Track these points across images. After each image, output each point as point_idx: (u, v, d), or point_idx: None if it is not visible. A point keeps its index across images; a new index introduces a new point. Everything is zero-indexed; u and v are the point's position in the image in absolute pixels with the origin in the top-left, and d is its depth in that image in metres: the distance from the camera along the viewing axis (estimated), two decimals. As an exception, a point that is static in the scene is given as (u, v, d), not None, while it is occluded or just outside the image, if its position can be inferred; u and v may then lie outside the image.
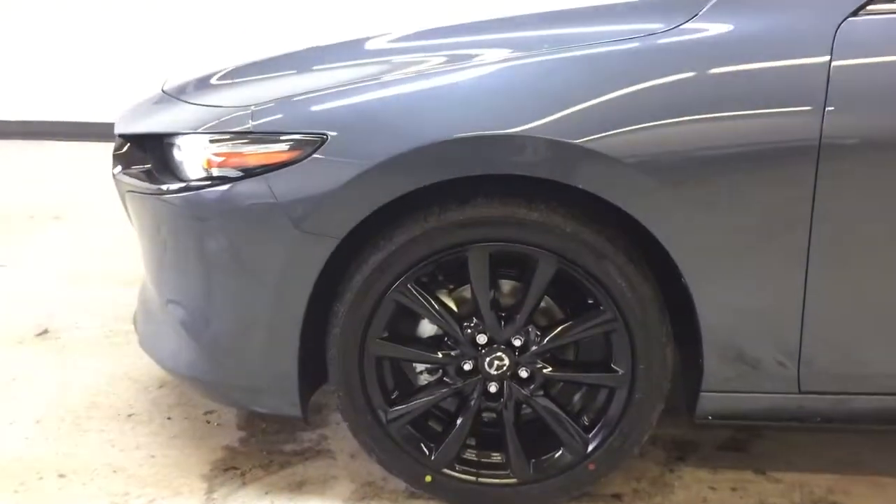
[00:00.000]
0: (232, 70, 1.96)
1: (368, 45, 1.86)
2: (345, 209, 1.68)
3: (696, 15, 1.64)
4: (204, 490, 1.95)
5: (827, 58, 1.57)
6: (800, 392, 1.77)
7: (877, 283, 1.65)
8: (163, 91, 2.05)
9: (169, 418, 2.23)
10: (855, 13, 1.59)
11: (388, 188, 1.65)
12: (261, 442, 2.13)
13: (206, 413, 2.24)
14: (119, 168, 2.01)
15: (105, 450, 2.10)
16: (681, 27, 1.64)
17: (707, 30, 1.63)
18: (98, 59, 5.03)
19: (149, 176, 1.93)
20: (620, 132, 1.59)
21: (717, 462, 2.05)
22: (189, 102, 1.92)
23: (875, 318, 1.69)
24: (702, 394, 1.79)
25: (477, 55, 1.72)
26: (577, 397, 1.89)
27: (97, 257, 3.26)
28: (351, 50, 1.87)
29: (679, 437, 2.12)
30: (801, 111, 1.57)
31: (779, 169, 1.60)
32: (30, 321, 2.75)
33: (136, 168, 1.97)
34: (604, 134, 1.58)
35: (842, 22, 1.59)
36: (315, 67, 1.85)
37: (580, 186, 1.62)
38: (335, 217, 1.68)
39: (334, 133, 1.67)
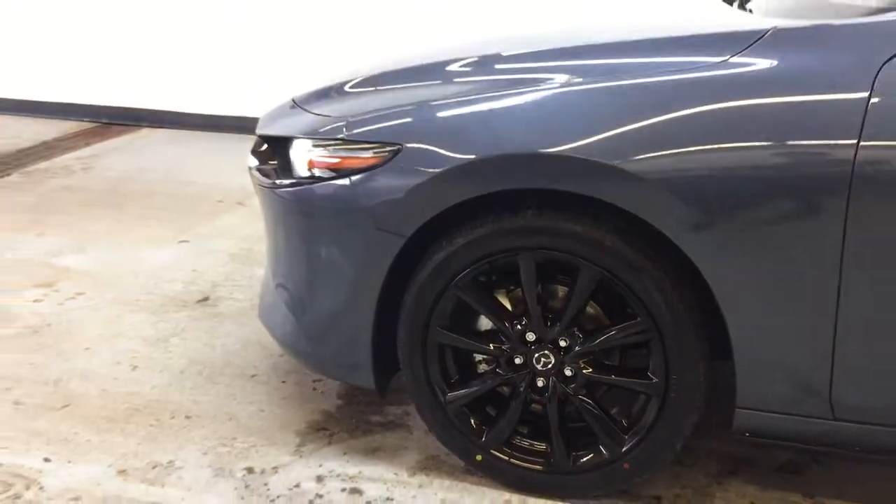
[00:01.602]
0: (343, 84, 2.25)
1: (452, 67, 2.09)
2: (412, 211, 1.92)
3: (742, 50, 1.74)
4: (296, 444, 2.27)
5: (866, 94, 1.62)
6: (834, 419, 1.81)
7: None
8: (292, 100, 2.38)
9: (283, 382, 2.57)
10: (902, 54, 1.63)
11: (446, 196, 1.88)
12: (353, 411, 2.42)
13: (314, 381, 2.56)
14: (254, 164, 2.37)
15: (227, 401, 2.47)
16: (728, 61, 1.74)
17: (752, 64, 1.72)
18: (304, 58, 5.55)
19: (274, 173, 2.26)
20: (656, 156, 1.71)
21: (768, 481, 2.10)
22: (307, 111, 2.23)
23: (907, 353, 1.71)
24: (737, 410, 1.87)
25: (540, 80, 1.91)
26: (618, 400, 2.02)
27: (262, 240, 3.70)
28: (437, 71, 2.10)
29: (737, 453, 2.19)
30: (836, 144, 1.63)
31: (811, 198, 1.66)
32: (196, 289, 3.22)
33: (265, 165, 2.32)
34: (641, 157, 1.72)
35: (887, 61, 1.63)
36: (403, 85, 2.11)
37: (617, 204, 1.77)
38: (404, 217, 1.93)
39: (408, 144, 1.92)
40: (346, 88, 2.24)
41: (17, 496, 2.07)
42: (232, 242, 3.65)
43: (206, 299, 3.14)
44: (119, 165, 4.92)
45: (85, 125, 5.91)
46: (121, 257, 3.52)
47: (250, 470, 2.17)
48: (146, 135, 5.67)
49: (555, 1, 4.59)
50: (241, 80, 5.62)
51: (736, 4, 2.12)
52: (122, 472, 2.17)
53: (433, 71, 2.11)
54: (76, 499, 2.07)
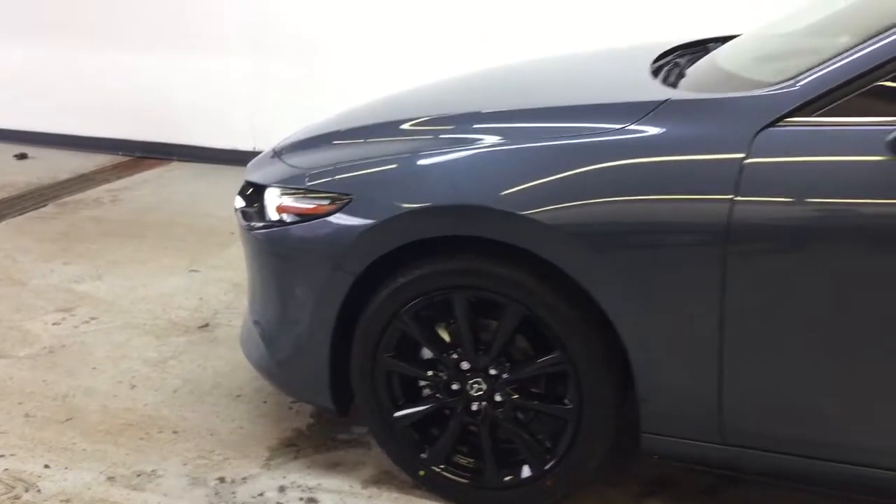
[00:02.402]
0: (314, 138, 2.54)
1: (401, 126, 2.36)
2: (360, 253, 2.18)
3: (640, 118, 1.98)
4: (266, 458, 2.54)
5: (742, 156, 1.85)
6: (725, 444, 2.02)
7: (782, 350, 1.89)
8: (273, 149, 2.67)
9: (265, 402, 2.85)
10: (773, 124, 1.86)
11: (389, 240, 2.14)
12: (322, 429, 2.69)
13: (292, 402, 2.83)
14: (240, 205, 2.65)
15: (211, 418, 2.75)
16: (626, 128, 1.99)
17: (646, 131, 1.97)
18: (326, 98, 5.88)
19: (255, 215, 2.54)
20: (562, 208, 1.95)
21: (685, 502, 2.31)
22: (282, 161, 2.52)
23: (783, 384, 1.91)
24: (642, 434, 2.09)
25: (471, 140, 2.17)
26: (544, 424, 2.24)
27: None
28: (388, 129, 2.38)
29: (661, 476, 2.40)
30: (715, 199, 1.85)
31: (695, 247, 1.89)
32: (199, 316, 3.52)
33: (249, 208, 2.60)
34: (550, 209, 1.96)
35: (761, 129, 1.85)
36: (359, 141, 2.40)
37: (530, 250, 2.01)
38: (354, 258, 2.19)
39: (357, 195, 2.19)
40: (316, 142, 2.52)
41: (16, 497, 2.37)
42: (237, 272, 3.93)
43: (206, 325, 3.43)
44: (145, 197, 5.28)
45: (120, 159, 6.30)
46: (135, 284, 3.84)
47: (222, 479, 2.44)
48: (175, 168, 6.04)
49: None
50: (265, 116, 5.97)
51: (661, 78, 2.35)
52: (110, 478, 2.45)
53: (385, 129, 2.39)
54: (67, 501, 2.36)
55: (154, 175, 5.86)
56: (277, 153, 2.61)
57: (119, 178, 5.78)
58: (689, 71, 2.44)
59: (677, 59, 2.60)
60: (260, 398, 2.88)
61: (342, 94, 5.47)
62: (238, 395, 2.90)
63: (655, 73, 2.41)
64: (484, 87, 2.75)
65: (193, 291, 3.77)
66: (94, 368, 3.08)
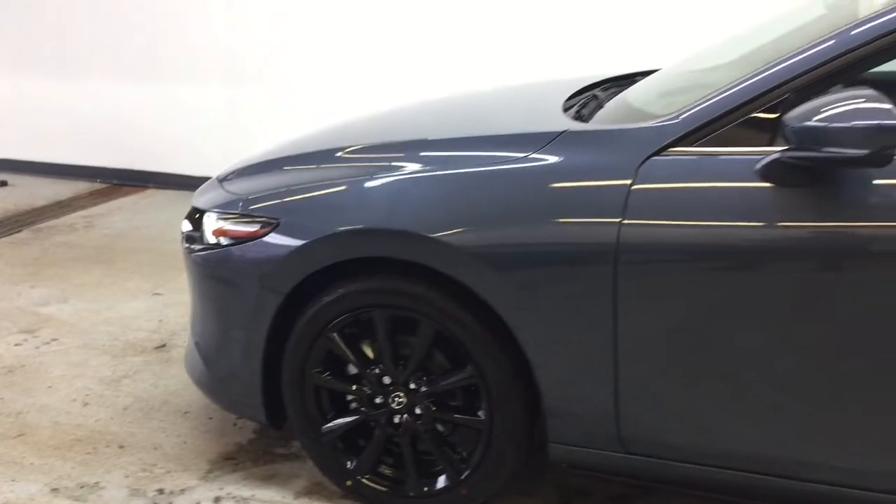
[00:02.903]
0: (252, 166, 2.69)
1: (331, 155, 2.51)
2: (287, 273, 2.32)
3: (541, 148, 2.14)
4: (205, 470, 2.66)
5: (629, 182, 1.99)
6: (626, 453, 2.15)
7: (671, 363, 2.02)
8: (216, 177, 2.82)
9: (210, 418, 2.97)
10: (657, 153, 2.01)
11: (312, 261, 2.28)
12: (263, 444, 2.81)
13: (237, 418, 2.95)
14: (187, 229, 2.79)
15: (156, 434, 2.88)
16: (529, 156, 2.14)
17: (546, 159, 2.12)
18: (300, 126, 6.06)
19: (196, 238, 2.68)
20: (469, 230, 2.10)
21: (598, 510, 2.44)
22: (222, 188, 2.67)
23: (674, 395, 2.04)
24: (550, 444, 2.22)
25: (391, 168, 2.31)
26: (462, 435, 2.37)
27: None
28: (319, 157, 2.54)
29: (578, 486, 2.52)
30: (605, 222, 1.99)
31: (588, 266, 2.02)
32: (157, 337, 3.65)
33: (193, 231, 2.74)
34: (458, 231, 2.10)
35: (647, 158, 2.00)
36: (292, 168, 2.54)
37: (441, 270, 2.15)
38: (281, 278, 2.33)
39: (284, 219, 2.34)
40: (255, 169, 2.67)
41: (-38, 507, 2.49)
42: (198, 296, 4.07)
43: (163, 346, 3.56)
44: (118, 224, 5.43)
45: (98, 186, 6.46)
46: (98, 307, 3.97)
47: (161, 491, 2.56)
48: (150, 195, 6.19)
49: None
50: (239, 144, 6.13)
51: (571, 112, 2.49)
52: (54, 490, 2.57)
53: (317, 157, 2.54)
54: (11, 510, 2.48)
55: (129, 202, 6.01)
56: (220, 180, 2.75)
57: (95, 204, 5.94)
58: (607, 104, 2.60)
59: (596, 93, 2.76)
60: (206, 415, 3.00)
61: (313, 123, 5.65)
62: (186, 412, 3.02)
63: (573, 106, 2.56)
64: (418, 118, 2.90)
65: (154, 313, 3.90)
66: (50, 387, 3.21)
